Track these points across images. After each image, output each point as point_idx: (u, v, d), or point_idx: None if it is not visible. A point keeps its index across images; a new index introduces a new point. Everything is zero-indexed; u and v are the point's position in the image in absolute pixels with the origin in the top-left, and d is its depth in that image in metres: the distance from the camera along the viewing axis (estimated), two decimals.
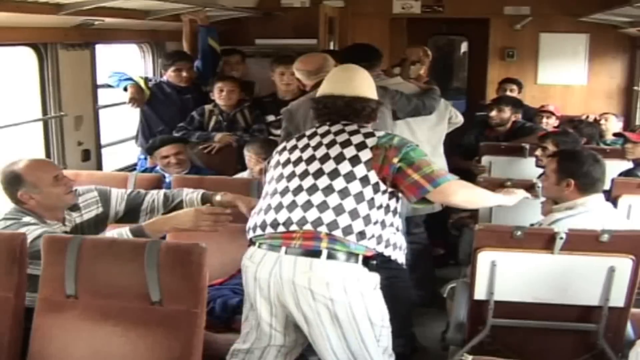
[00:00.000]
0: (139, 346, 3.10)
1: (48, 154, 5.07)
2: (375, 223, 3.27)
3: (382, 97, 3.98)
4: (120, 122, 6.67)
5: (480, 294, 3.54)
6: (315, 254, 3.23)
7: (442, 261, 6.72)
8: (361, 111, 3.47)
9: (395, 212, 3.40)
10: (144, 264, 3.10)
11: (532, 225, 3.95)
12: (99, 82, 5.66)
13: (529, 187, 4.50)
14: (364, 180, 3.26)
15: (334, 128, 3.45)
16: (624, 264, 3.37)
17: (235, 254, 4.25)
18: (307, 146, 3.45)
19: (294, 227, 3.26)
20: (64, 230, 3.67)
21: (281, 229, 3.30)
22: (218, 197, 3.93)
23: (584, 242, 3.41)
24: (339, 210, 3.23)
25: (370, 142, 3.33)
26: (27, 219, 3.56)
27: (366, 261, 3.29)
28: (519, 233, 3.41)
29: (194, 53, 6.33)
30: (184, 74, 6.04)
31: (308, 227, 3.24)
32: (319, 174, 3.31)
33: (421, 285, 5.62)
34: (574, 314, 3.52)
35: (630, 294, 3.44)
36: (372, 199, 3.26)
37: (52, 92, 5.02)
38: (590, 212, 3.78)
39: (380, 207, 3.29)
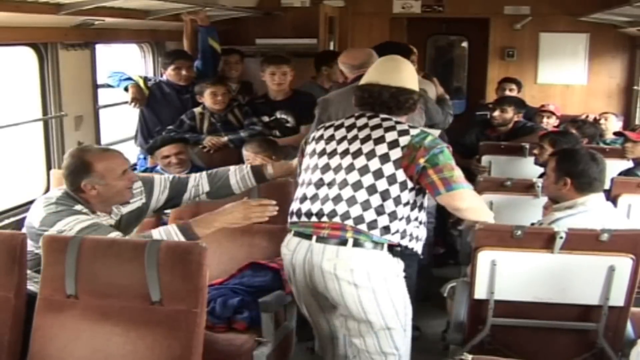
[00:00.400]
0: (139, 346, 3.10)
1: (48, 154, 5.07)
2: (401, 219, 3.42)
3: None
4: (118, 122, 6.67)
5: (480, 293, 3.54)
6: (342, 242, 3.40)
7: (442, 260, 6.72)
8: (404, 103, 3.57)
9: (421, 207, 3.53)
10: (144, 264, 3.10)
11: (532, 224, 3.95)
12: (99, 82, 5.65)
13: (529, 186, 4.50)
14: (392, 178, 3.39)
15: (372, 122, 3.53)
16: (623, 264, 3.37)
17: (235, 254, 4.27)
18: (343, 138, 3.54)
19: (324, 219, 3.44)
20: (110, 223, 3.63)
21: (314, 219, 3.48)
22: (270, 170, 4.08)
23: (583, 241, 3.41)
24: (366, 205, 3.38)
25: (403, 141, 3.42)
26: (78, 207, 3.51)
27: (391, 248, 3.44)
28: (519, 232, 3.41)
29: (194, 53, 6.33)
30: (184, 72, 6.03)
31: (337, 219, 3.41)
32: (350, 168, 3.44)
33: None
34: (574, 313, 3.53)
35: (630, 293, 3.44)
36: (399, 196, 3.39)
37: (52, 92, 5.01)
38: (590, 212, 3.78)
39: (407, 203, 3.43)
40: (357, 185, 3.40)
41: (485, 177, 5.14)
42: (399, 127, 3.47)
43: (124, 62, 6.67)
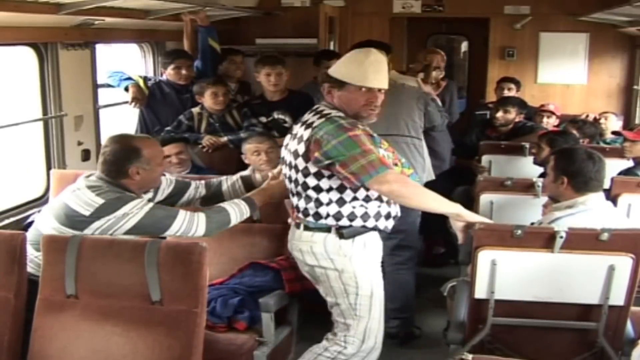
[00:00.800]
0: (139, 346, 3.11)
1: (48, 154, 5.07)
2: (329, 204, 3.60)
3: (417, 96, 5.14)
4: (118, 122, 6.67)
5: (480, 292, 3.54)
6: (296, 226, 3.73)
7: (442, 260, 6.73)
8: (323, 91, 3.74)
9: (353, 186, 3.55)
10: (144, 264, 3.11)
11: (532, 224, 3.95)
12: (99, 82, 5.65)
13: (529, 186, 4.50)
14: (306, 170, 3.59)
15: (308, 118, 3.67)
16: (623, 263, 3.37)
17: (235, 254, 4.27)
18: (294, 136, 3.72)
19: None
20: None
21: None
22: (258, 176, 4.42)
23: (583, 240, 3.41)
24: (298, 196, 3.67)
25: (306, 134, 3.57)
26: (128, 194, 3.57)
27: (338, 230, 3.62)
28: (519, 232, 3.41)
29: (194, 52, 6.33)
30: (184, 71, 6.02)
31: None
32: (289, 165, 3.70)
33: None
34: (574, 312, 3.52)
35: (630, 293, 3.44)
36: (317, 185, 3.59)
37: (52, 92, 5.01)
38: (590, 211, 3.78)
39: (329, 189, 3.59)
40: (290, 180, 3.69)
41: (486, 176, 5.14)
42: (311, 120, 3.61)
43: (124, 62, 6.67)
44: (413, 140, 5.08)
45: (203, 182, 4.20)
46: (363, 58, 3.66)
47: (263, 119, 5.87)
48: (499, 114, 6.58)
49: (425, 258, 6.83)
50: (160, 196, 3.99)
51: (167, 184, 4.04)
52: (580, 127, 6.16)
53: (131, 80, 5.88)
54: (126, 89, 5.86)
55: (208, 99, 5.78)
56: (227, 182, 4.24)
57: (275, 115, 5.86)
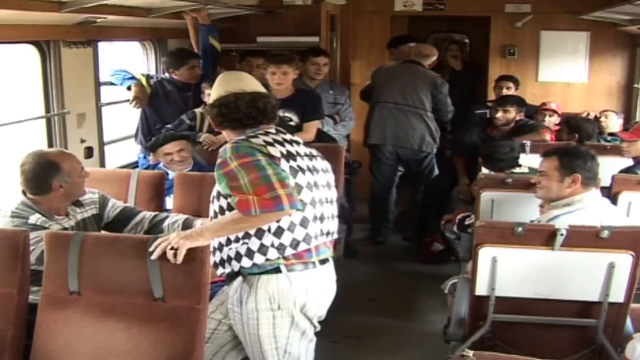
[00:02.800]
0: (142, 342, 3.12)
1: None
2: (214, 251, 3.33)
3: (429, 79, 6.94)
4: (118, 120, 6.69)
5: (481, 289, 3.56)
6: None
7: (442, 257, 6.75)
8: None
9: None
10: (147, 260, 3.12)
11: (531, 222, 3.96)
12: (101, 80, 5.67)
13: (530, 184, 4.52)
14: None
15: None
16: (623, 260, 3.39)
17: None
18: None
19: None
20: (70, 225, 3.79)
21: None
22: (198, 223, 3.94)
23: (584, 238, 3.43)
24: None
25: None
26: (34, 218, 3.65)
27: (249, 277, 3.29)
28: (519, 229, 3.43)
29: (198, 51, 6.35)
30: (198, 70, 6.07)
31: None
32: None
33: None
34: (574, 309, 3.54)
35: (630, 290, 3.46)
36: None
37: (54, 90, 5.02)
38: (588, 209, 3.80)
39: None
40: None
41: (486, 174, 5.15)
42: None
43: (126, 60, 6.68)
44: (418, 111, 6.98)
45: (149, 216, 4.11)
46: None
47: None
48: (499, 114, 6.58)
49: (425, 255, 6.86)
50: (105, 218, 4.04)
51: (112, 207, 4.07)
52: (571, 123, 6.25)
53: (134, 80, 5.90)
54: (128, 88, 5.87)
55: (208, 100, 5.79)
56: (170, 220, 4.08)
57: (281, 113, 5.86)
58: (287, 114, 5.83)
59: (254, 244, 3.21)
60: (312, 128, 5.82)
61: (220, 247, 3.30)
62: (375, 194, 7.46)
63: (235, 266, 3.26)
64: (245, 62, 6.62)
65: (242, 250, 3.23)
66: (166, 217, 4.13)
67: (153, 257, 3.04)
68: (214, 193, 3.34)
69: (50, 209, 3.74)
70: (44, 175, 3.67)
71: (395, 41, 7.77)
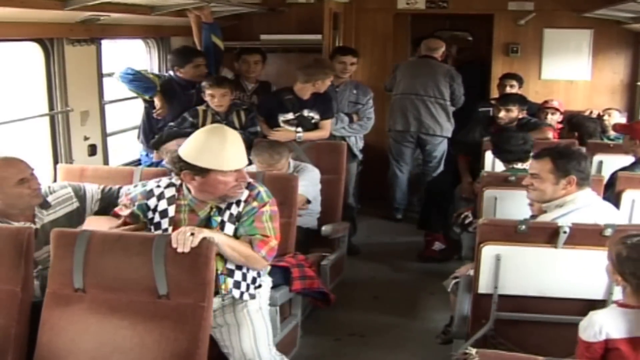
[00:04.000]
0: (146, 339, 3.13)
1: (55, 149, 5.09)
2: None
3: (445, 71, 7.72)
4: (123, 116, 6.69)
5: (484, 287, 3.57)
6: None
7: (443, 256, 6.75)
8: None
9: None
10: (152, 258, 3.13)
11: (525, 219, 3.95)
12: (108, 79, 5.67)
13: None
14: None
15: None
16: None
17: None
18: None
19: None
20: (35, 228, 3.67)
21: None
22: None
23: (587, 236, 3.43)
24: None
25: None
26: None
27: None
28: (523, 227, 3.43)
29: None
30: (203, 69, 6.08)
31: None
32: None
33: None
34: (578, 307, 3.54)
35: None
36: None
37: (58, 88, 5.03)
38: (581, 209, 3.75)
39: None
40: None
41: (489, 172, 5.16)
42: None
43: (129, 58, 6.69)
44: (438, 100, 7.67)
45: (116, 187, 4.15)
46: (217, 142, 3.49)
47: (290, 115, 6.07)
48: (502, 114, 6.58)
49: (425, 253, 6.86)
50: (90, 208, 4.02)
51: (92, 196, 4.04)
52: (572, 122, 6.26)
53: (154, 90, 5.89)
54: (151, 98, 5.85)
55: (208, 100, 5.82)
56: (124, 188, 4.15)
57: (306, 113, 6.11)
58: (311, 114, 6.15)
59: None
60: (327, 126, 6.23)
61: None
62: (395, 173, 8.00)
63: None
64: (241, 60, 6.62)
65: None
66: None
67: (180, 249, 3.13)
68: (225, 218, 3.53)
69: (8, 215, 3.68)
70: None
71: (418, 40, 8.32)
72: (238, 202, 3.52)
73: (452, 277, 4.39)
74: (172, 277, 3.12)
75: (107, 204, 4.05)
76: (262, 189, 3.60)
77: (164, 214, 3.58)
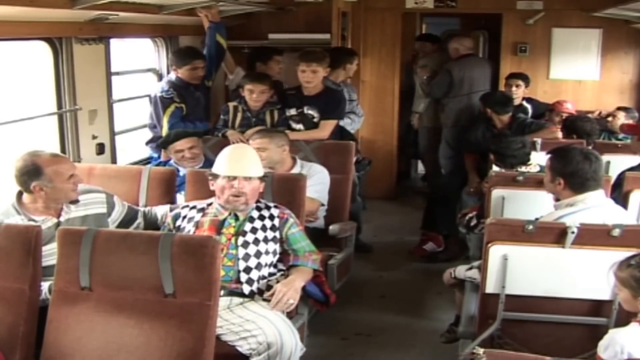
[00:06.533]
0: (152, 338, 3.13)
1: (63, 148, 5.10)
2: None
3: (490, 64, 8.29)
4: (130, 116, 6.70)
5: (491, 287, 3.56)
6: None
7: (434, 258, 6.76)
8: None
9: None
10: (158, 257, 3.14)
11: (536, 219, 3.95)
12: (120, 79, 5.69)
13: (541, 181, 4.51)
14: None
15: None
16: None
17: None
18: None
19: None
20: (54, 223, 3.81)
21: None
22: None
23: (595, 236, 3.42)
24: None
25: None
26: (13, 220, 3.71)
27: None
28: (530, 227, 3.42)
29: None
30: (200, 72, 6.02)
31: None
32: None
33: None
34: (585, 307, 3.54)
35: None
36: None
37: (66, 86, 5.05)
38: (591, 209, 3.73)
39: None
40: None
41: (497, 171, 5.14)
42: None
43: (138, 57, 6.70)
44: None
45: (142, 213, 4.35)
46: (226, 151, 4.03)
47: (293, 111, 5.97)
48: (496, 119, 6.67)
49: (416, 252, 6.87)
50: (114, 217, 4.14)
51: (120, 208, 4.18)
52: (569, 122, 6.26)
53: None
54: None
55: (246, 95, 5.82)
56: (159, 211, 4.41)
57: (306, 110, 5.95)
58: (310, 112, 5.95)
59: None
60: (327, 126, 5.93)
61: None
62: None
63: None
64: (272, 61, 6.62)
65: None
66: (152, 211, 4.41)
67: (276, 309, 3.68)
68: (267, 235, 3.92)
69: (35, 210, 3.79)
70: (26, 177, 3.73)
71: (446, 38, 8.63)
72: (272, 217, 3.96)
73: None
74: (178, 276, 3.12)
75: (129, 220, 4.21)
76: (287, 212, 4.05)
77: (190, 220, 3.96)
